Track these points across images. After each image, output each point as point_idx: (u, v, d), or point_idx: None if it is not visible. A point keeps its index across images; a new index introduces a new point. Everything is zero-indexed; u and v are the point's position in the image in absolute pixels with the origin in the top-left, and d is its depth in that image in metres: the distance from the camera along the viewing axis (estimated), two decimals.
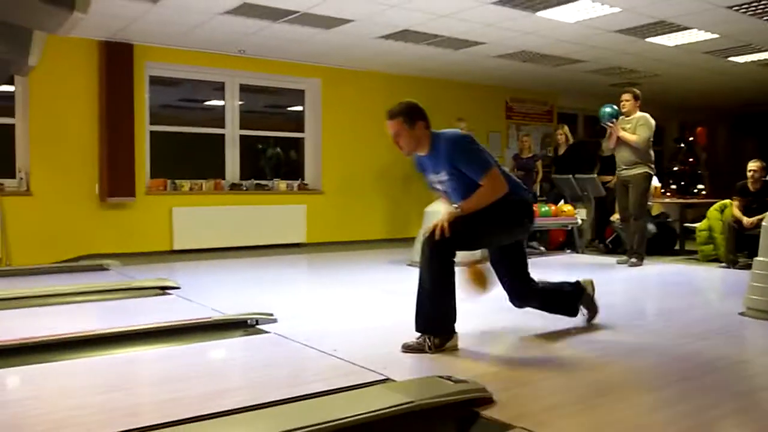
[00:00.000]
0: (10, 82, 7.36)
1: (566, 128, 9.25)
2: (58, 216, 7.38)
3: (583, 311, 4.05)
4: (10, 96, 7.39)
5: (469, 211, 3.40)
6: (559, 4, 6.39)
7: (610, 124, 7.04)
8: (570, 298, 3.96)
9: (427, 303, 3.41)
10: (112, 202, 7.65)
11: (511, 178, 3.62)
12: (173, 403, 2.63)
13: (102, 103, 7.59)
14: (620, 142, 6.97)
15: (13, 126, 7.38)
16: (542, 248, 8.64)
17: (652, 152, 7.01)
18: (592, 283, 4.07)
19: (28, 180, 7.33)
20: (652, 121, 6.97)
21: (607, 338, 3.76)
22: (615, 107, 7.10)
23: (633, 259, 7.03)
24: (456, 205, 3.47)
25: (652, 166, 7.01)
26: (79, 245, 7.48)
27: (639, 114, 7.01)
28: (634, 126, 6.94)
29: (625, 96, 7.09)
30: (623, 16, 6.79)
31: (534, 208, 7.58)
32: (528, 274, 3.76)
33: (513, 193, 3.52)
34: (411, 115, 3.56)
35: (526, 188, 3.75)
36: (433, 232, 3.34)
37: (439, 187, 3.69)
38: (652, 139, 6.96)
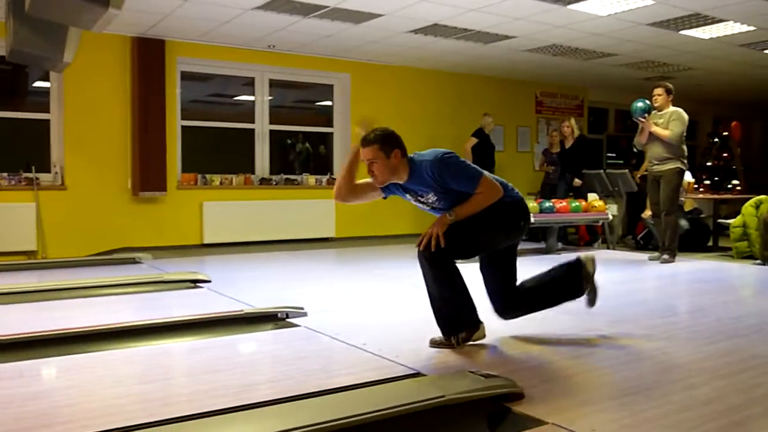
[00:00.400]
0: (46, 78, 7.50)
1: (573, 120, 9.05)
2: (91, 210, 7.51)
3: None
4: (45, 92, 7.54)
5: (464, 216, 3.30)
6: None
7: (642, 120, 6.93)
8: (567, 280, 3.63)
9: (444, 308, 3.38)
10: (145, 196, 7.76)
11: (501, 181, 3.49)
12: (206, 394, 2.66)
13: (134, 99, 7.70)
14: (652, 137, 6.87)
15: (48, 121, 7.52)
16: (560, 244, 8.52)
17: (684, 147, 6.89)
18: (593, 260, 3.63)
19: (63, 174, 7.46)
20: (685, 116, 6.84)
21: (639, 335, 3.72)
22: (647, 102, 6.99)
23: (665, 256, 6.93)
24: (449, 213, 3.32)
25: (685, 161, 6.89)
26: (113, 238, 7.60)
27: (672, 108, 6.89)
28: (667, 121, 6.82)
29: (657, 90, 6.98)
30: (657, 8, 6.68)
31: (564, 203, 7.45)
32: (515, 283, 3.59)
33: (506, 195, 3.41)
34: (387, 142, 3.36)
35: (514, 188, 3.57)
36: (428, 244, 3.24)
37: (426, 209, 3.56)
38: (685, 134, 6.84)
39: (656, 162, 6.94)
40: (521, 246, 7.89)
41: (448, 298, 3.35)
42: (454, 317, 3.39)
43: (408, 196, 3.56)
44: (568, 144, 8.92)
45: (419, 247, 3.30)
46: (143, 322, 3.80)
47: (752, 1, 6.40)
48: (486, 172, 3.43)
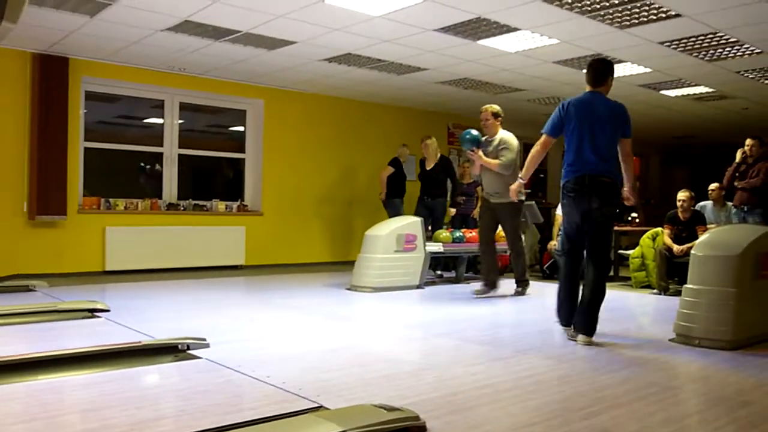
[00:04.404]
0: None
1: (433, 138, 8.50)
2: None
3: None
4: None
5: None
6: (499, 33, 6.51)
7: (471, 152, 6.47)
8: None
9: (595, 311, 4.35)
10: (42, 220, 7.38)
11: None
12: None
13: (34, 117, 7.34)
14: (485, 167, 6.45)
15: None
16: (439, 272, 8.62)
17: (518, 174, 6.29)
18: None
19: None
20: (515, 142, 6.43)
21: (541, 365, 3.78)
22: (477, 132, 6.50)
23: (519, 288, 6.80)
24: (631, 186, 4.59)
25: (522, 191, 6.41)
26: (5, 265, 7.17)
27: (500, 135, 6.47)
28: (496, 149, 6.39)
29: (484, 114, 6.51)
30: (561, 47, 6.97)
31: (474, 233, 7.56)
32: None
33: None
34: (611, 68, 4.87)
35: None
36: (606, 248, 4.44)
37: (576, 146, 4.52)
38: (518, 162, 6.35)
39: (491, 193, 6.50)
40: (430, 275, 7.92)
41: (600, 303, 4.39)
42: (596, 321, 4.38)
43: (574, 126, 4.57)
44: (430, 165, 8.48)
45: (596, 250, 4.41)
46: (33, 355, 3.56)
47: (649, 44, 6.77)
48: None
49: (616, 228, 9.51)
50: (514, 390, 3.24)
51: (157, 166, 8.76)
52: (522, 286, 6.83)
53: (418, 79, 8.62)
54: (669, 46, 6.83)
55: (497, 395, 3.15)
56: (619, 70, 7.96)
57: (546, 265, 8.92)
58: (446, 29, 6.41)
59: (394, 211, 8.73)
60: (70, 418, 2.80)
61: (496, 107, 6.57)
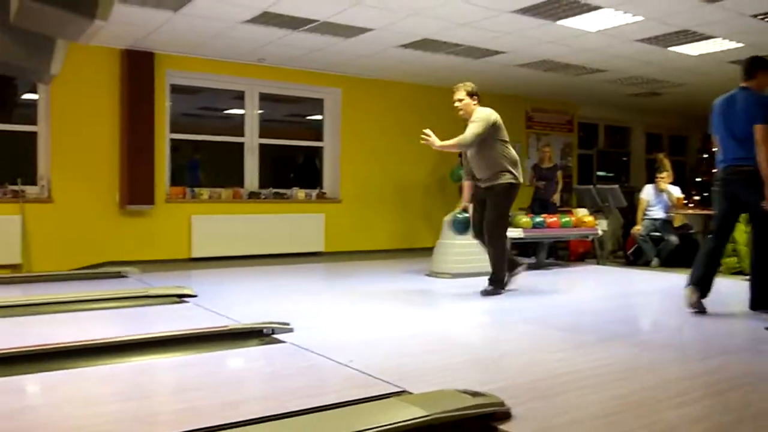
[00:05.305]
0: (33, 90, 7.45)
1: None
2: (78, 223, 7.43)
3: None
4: (32, 104, 7.48)
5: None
6: (580, 12, 6.33)
7: (425, 140, 5.37)
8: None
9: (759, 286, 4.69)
10: (132, 210, 7.70)
11: None
12: (189, 412, 2.60)
13: (123, 111, 7.66)
14: (472, 153, 5.64)
15: (35, 134, 7.46)
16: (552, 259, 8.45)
17: (509, 153, 5.60)
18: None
19: (50, 187, 7.39)
20: (492, 117, 5.52)
21: (629, 352, 3.68)
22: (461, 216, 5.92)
23: (489, 287, 5.64)
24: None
25: (512, 170, 5.57)
26: (99, 252, 7.53)
27: (477, 111, 5.56)
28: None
29: (457, 95, 5.58)
30: (645, 24, 6.71)
31: (555, 218, 7.38)
32: None
33: None
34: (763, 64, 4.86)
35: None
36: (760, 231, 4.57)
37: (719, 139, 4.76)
38: (506, 142, 5.63)
39: (479, 180, 5.71)
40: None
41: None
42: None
43: (718, 122, 4.82)
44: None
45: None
46: (125, 338, 3.73)
47: (740, 18, 6.44)
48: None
49: (704, 211, 9.17)
50: (598, 377, 3.17)
51: (196, 156, 9.06)
52: (494, 285, 5.65)
53: (495, 62, 8.49)
54: (763, 18, 6.47)
55: (581, 382, 3.08)
56: (708, 47, 7.62)
57: (630, 251, 8.66)
58: (524, 10, 6.28)
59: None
60: (163, 398, 2.93)
61: (469, 85, 5.63)
